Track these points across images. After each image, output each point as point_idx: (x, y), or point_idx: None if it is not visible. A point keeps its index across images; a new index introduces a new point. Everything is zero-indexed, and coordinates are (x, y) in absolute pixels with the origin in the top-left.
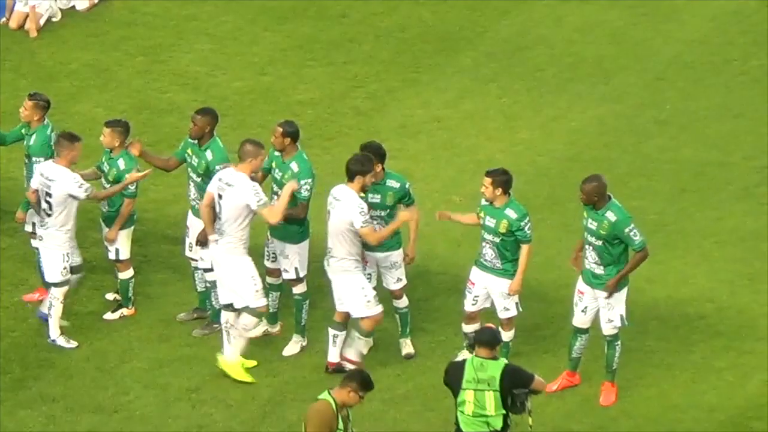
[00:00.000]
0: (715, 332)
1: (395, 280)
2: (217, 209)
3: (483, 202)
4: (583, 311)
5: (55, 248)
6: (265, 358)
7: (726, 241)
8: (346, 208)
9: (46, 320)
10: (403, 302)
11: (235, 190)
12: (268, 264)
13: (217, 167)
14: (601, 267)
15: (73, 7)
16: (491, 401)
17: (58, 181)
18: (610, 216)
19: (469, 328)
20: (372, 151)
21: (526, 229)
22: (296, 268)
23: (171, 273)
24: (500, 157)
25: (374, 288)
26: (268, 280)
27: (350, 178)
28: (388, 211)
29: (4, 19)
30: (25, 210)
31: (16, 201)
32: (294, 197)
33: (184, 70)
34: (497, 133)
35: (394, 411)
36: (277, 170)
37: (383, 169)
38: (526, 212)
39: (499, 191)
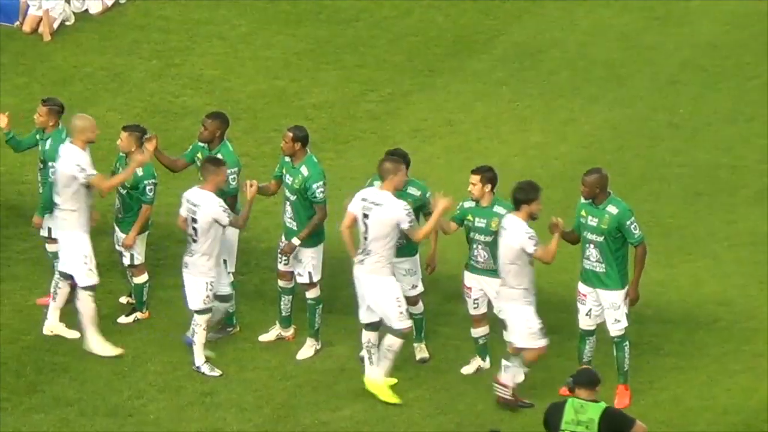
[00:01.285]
0: (729, 335)
1: (410, 287)
2: (362, 229)
3: (466, 204)
4: (587, 314)
5: (199, 275)
6: (278, 362)
7: (739, 245)
8: (513, 235)
9: (191, 345)
10: (418, 308)
11: (384, 209)
12: (280, 267)
13: (228, 171)
14: (603, 265)
15: (87, 10)
16: None
17: (204, 206)
18: (612, 209)
19: (478, 332)
20: (395, 157)
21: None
22: (310, 273)
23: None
24: (513, 161)
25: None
26: (281, 283)
27: (516, 207)
28: None
29: (17, 23)
30: (41, 215)
31: (30, 205)
32: (309, 202)
33: (198, 73)
34: (510, 137)
35: (408, 413)
36: (287, 175)
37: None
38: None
39: (488, 188)
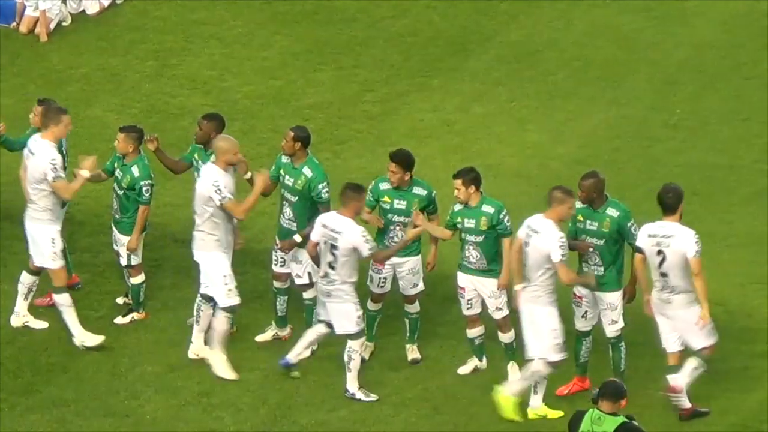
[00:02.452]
0: (726, 335)
1: (412, 286)
2: (523, 256)
3: (455, 208)
4: (583, 316)
5: (347, 299)
6: (275, 362)
7: (736, 245)
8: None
9: (288, 366)
10: (414, 308)
11: (541, 238)
12: (276, 269)
13: None
14: (602, 268)
15: (84, 11)
16: None
17: (346, 233)
18: (612, 212)
19: (473, 333)
20: (401, 158)
21: (505, 221)
22: (309, 273)
23: (182, 277)
24: (510, 161)
25: (388, 291)
26: (276, 284)
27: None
28: (411, 218)
29: (14, 24)
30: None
31: (23, 205)
32: (314, 203)
33: (195, 74)
34: (507, 137)
35: (405, 414)
36: (287, 176)
37: (411, 176)
38: (502, 205)
39: (472, 189)
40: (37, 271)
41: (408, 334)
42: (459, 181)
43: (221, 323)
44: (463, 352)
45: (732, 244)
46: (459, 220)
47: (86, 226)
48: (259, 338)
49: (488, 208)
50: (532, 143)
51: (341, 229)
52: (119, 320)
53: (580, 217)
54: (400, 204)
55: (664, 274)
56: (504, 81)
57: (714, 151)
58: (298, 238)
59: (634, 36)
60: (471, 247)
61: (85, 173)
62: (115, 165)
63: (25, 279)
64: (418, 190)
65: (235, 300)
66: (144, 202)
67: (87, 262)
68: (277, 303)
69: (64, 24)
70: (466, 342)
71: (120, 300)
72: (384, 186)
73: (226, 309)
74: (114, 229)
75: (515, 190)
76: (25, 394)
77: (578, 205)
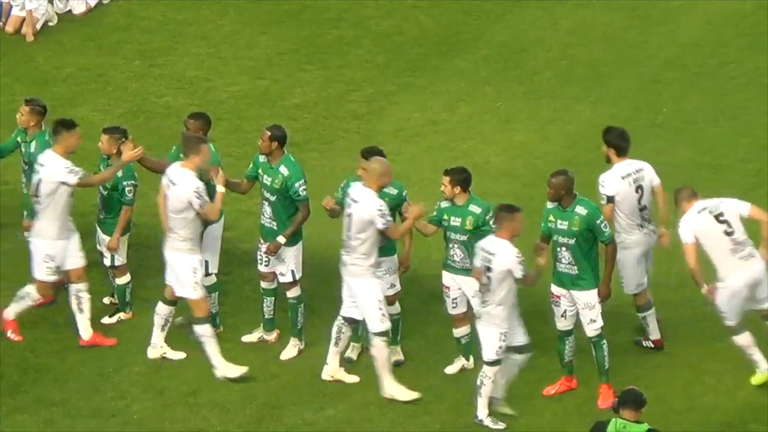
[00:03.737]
0: (713, 334)
1: (389, 286)
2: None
3: (442, 204)
4: (563, 316)
5: (492, 327)
6: (262, 362)
7: None
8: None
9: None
10: (395, 308)
11: (498, 259)
12: (261, 268)
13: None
14: (576, 267)
15: (70, 11)
16: None
17: (500, 256)
18: (581, 210)
19: (459, 332)
20: (373, 155)
21: (491, 222)
22: (293, 271)
23: None
24: (496, 161)
25: None
26: (263, 284)
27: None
28: None
29: (0, 24)
30: (31, 218)
31: (11, 206)
32: (293, 201)
33: (181, 74)
34: (493, 136)
35: (392, 414)
36: (265, 176)
37: None
38: (489, 206)
39: (457, 189)
40: (174, 301)
41: (390, 336)
42: (447, 179)
43: (379, 349)
44: (449, 351)
45: None
46: (445, 217)
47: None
48: (246, 339)
49: (475, 208)
50: (518, 143)
51: (495, 251)
52: (106, 320)
53: (551, 218)
54: None
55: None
56: (490, 80)
57: (699, 151)
58: (281, 239)
59: (620, 35)
60: (455, 246)
61: (221, 189)
62: (100, 166)
63: (161, 310)
64: (389, 189)
65: (387, 325)
66: (127, 202)
67: None
68: (264, 305)
69: (50, 24)
70: (453, 341)
71: (107, 300)
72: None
73: (379, 334)
74: (98, 229)
75: (501, 189)
76: (12, 394)
77: (549, 205)
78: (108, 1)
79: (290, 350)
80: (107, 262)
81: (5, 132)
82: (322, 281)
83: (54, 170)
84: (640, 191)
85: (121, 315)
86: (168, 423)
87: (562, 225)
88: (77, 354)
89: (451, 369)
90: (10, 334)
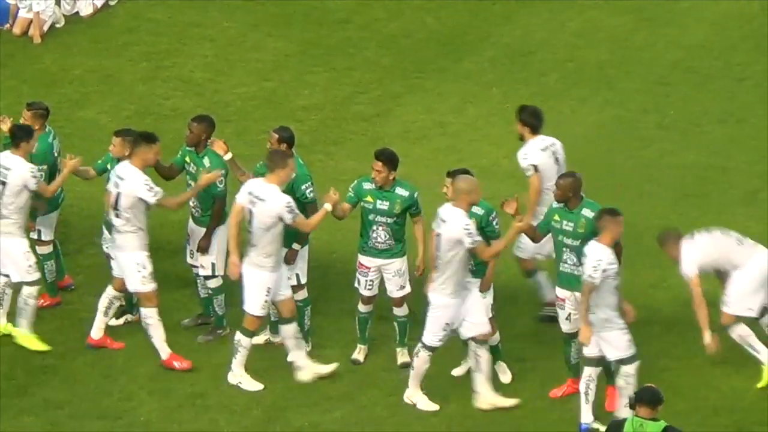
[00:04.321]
0: (719, 336)
1: (398, 288)
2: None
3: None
4: (567, 318)
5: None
6: (269, 364)
7: None
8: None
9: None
10: (403, 311)
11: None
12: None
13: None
14: (581, 269)
15: (77, 13)
16: None
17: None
18: (587, 213)
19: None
20: (386, 158)
21: (494, 224)
22: (297, 275)
23: (174, 279)
24: (504, 163)
25: (376, 293)
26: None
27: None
28: (395, 219)
29: (7, 26)
30: (33, 219)
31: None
32: (300, 203)
33: (188, 76)
34: (500, 139)
35: (399, 415)
36: None
37: (395, 176)
38: (492, 208)
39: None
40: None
41: (398, 338)
42: (450, 180)
43: (482, 358)
44: (456, 353)
45: None
46: None
47: (79, 227)
48: (253, 340)
49: (478, 210)
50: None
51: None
52: (113, 321)
53: (556, 217)
54: (382, 204)
55: None
56: (497, 82)
57: (707, 153)
58: (297, 246)
59: (627, 37)
60: None
61: (328, 206)
62: (108, 167)
63: (245, 342)
64: (401, 191)
65: (488, 328)
66: (219, 194)
67: (80, 264)
68: (270, 309)
69: (57, 26)
70: (460, 343)
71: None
72: (367, 186)
73: (479, 342)
74: (106, 231)
75: (508, 191)
76: (18, 396)
77: (554, 204)
78: (115, 3)
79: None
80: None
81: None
82: (328, 284)
83: (133, 185)
84: (557, 164)
85: (129, 317)
86: (175, 425)
87: (568, 226)
88: (84, 356)
89: (458, 371)
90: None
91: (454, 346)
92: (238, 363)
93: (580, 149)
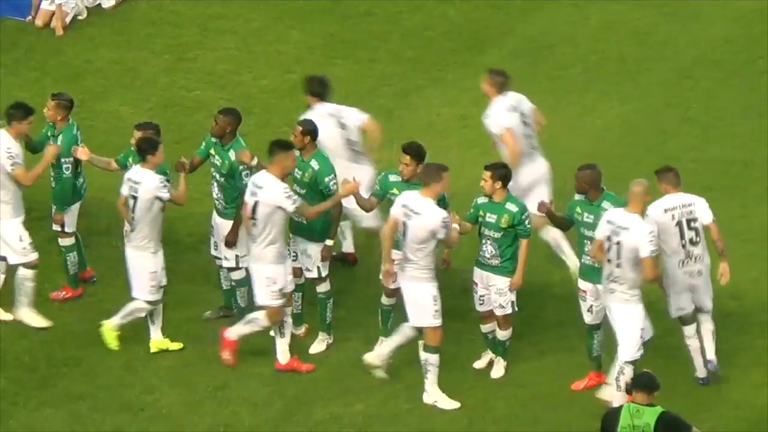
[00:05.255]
0: (740, 329)
1: None
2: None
3: (479, 200)
4: (589, 310)
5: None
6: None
7: (751, 240)
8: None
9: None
10: None
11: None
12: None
13: (241, 167)
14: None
15: (99, 5)
16: None
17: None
18: (607, 206)
19: (487, 328)
20: (414, 151)
21: (526, 223)
22: (319, 267)
23: (197, 271)
24: None
25: (398, 289)
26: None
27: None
28: None
29: (30, 18)
30: (60, 211)
31: (42, 199)
32: (323, 195)
33: (210, 68)
34: None
35: (421, 408)
36: (296, 170)
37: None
38: (525, 206)
39: (498, 185)
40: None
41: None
42: (489, 173)
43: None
44: (479, 346)
45: (746, 239)
46: (481, 213)
47: (101, 219)
48: (273, 332)
49: (512, 207)
50: (546, 138)
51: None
52: None
53: (578, 210)
54: None
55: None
56: (519, 76)
57: (729, 147)
58: (329, 242)
59: (649, 31)
60: (488, 242)
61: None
62: (130, 160)
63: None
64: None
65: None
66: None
67: (102, 256)
68: (293, 299)
69: (80, 18)
70: (482, 336)
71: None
72: (393, 178)
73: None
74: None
75: None
76: (40, 388)
77: (576, 196)
78: None
79: (319, 345)
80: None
81: (38, 127)
82: (350, 276)
83: (273, 193)
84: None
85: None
86: (197, 417)
87: (589, 218)
88: (105, 349)
89: (479, 363)
90: (226, 354)
91: (477, 340)
92: (431, 383)
93: (602, 142)
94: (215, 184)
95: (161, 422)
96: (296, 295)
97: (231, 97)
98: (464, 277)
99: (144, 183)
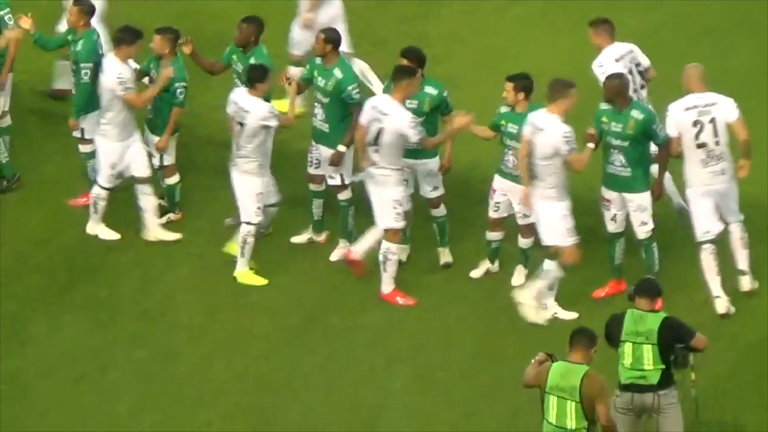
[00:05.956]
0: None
1: (432, 188)
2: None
3: (502, 110)
4: (613, 219)
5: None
6: (310, 265)
7: None
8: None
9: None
10: (441, 211)
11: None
12: (311, 170)
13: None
14: (629, 169)
15: None
16: (648, 355)
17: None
18: (636, 114)
19: (493, 236)
20: (412, 56)
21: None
22: (342, 174)
23: (218, 179)
24: (545, 66)
25: (411, 192)
26: (311, 186)
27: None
28: (425, 117)
29: None
30: (76, 116)
31: (59, 107)
32: (345, 104)
33: None
34: (541, 41)
35: (442, 316)
36: (319, 78)
37: (422, 75)
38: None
39: (521, 96)
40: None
41: (438, 238)
42: (511, 85)
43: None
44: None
45: None
46: (503, 122)
47: None
48: (295, 239)
49: (431, 90)
50: (567, 48)
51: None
52: (156, 221)
53: (605, 119)
54: (411, 104)
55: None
56: None
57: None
58: (342, 148)
59: None
60: (510, 152)
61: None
62: (151, 66)
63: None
64: (430, 89)
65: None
66: (178, 103)
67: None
68: (314, 206)
69: None
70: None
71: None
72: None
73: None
74: (147, 129)
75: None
76: (60, 294)
77: (602, 105)
78: None
79: (340, 252)
80: (156, 162)
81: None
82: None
83: (399, 121)
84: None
85: (171, 216)
86: (217, 324)
87: (616, 127)
88: (126, 255)
89: (476, 273)
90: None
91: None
92: (549, 293)
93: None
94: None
95: (180, 329)
96: (317, 202)
97: (249, 6)
98: (483, 186)
99: (253, 112)
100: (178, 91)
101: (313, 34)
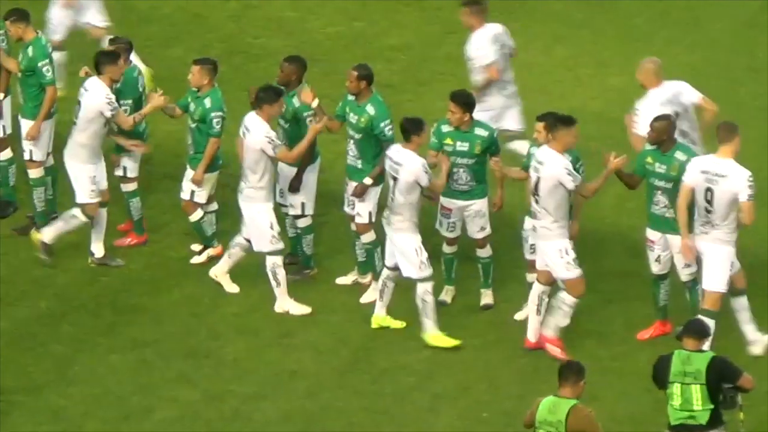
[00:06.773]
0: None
1: (479, 229)
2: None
3: (533, 150)
4: (657, 260)
5: None
6: (356, 304)
7: None
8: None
9: None
10: (486, 252)
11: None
12: (347, 210)
13: (305, 114)
14: (672, 210)
15: None
16: (697, 395)
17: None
18: (680, 156)
19: (532, 277)
20: (461, 99)
21: (580, 171)
22: (370, 213)
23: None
24: (592, 104)
25: (459, 235)
26: (352, 226)
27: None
28: (475, 159)
29: None
30: (118, 152)
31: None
32: (378, 140)
33: (277, 15)
34: (589, 80)
35: (485, 357)
36: (351, 114)
37: (471, 117)
38: (578, 155)
39: (551, 136)
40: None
41: (482, 279)
42: (541, 125)
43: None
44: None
45: None
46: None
47: (167, 166)
48: (340, 281)
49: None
50: (613, 86)
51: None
52: (196, 260)
53: (649, 160)
54: (462, 146)
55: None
56: (586, 23)
57: None
58: (368, 181)
59: None
60: None
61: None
62: (189, 99)
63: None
64: (480, 131)
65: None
66: (214, 134)
67: (165, 203)
68: (357, 247)
69: None
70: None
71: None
72: (446, 128)
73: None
74: (188, 166)
75: (598, 133)
76: (105, 334)
77: (647, 147)
78: None
79: (370, 294)
80: (185, 196)
81: None
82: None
83: (554, 169)
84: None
85: (210, 251)
86: (262, 364)
87: (660, 169)
88: (171, 295)
89: (520, 315)
90: (554, 350)
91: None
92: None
93: None
94: (280, 131)
95: (226, 368)
96: (359, 243)
97: (297, 45)
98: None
99: (405, 166)
100: (215, 121)
101: (75, 14)
